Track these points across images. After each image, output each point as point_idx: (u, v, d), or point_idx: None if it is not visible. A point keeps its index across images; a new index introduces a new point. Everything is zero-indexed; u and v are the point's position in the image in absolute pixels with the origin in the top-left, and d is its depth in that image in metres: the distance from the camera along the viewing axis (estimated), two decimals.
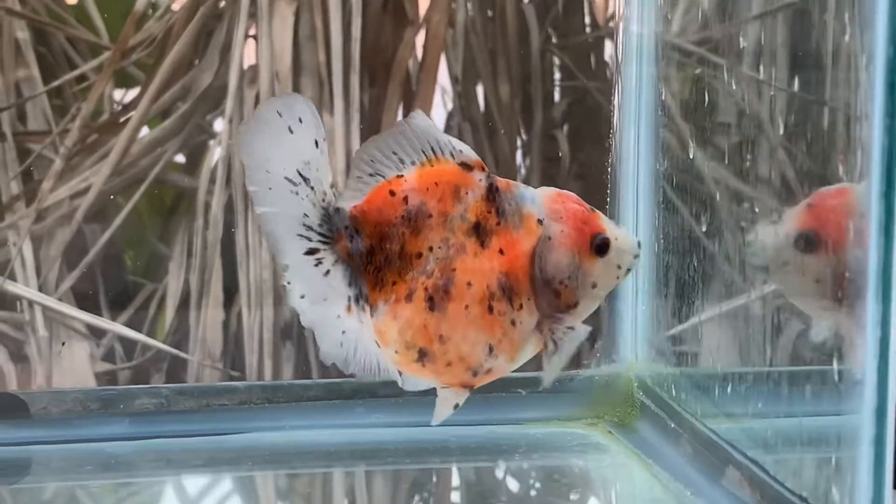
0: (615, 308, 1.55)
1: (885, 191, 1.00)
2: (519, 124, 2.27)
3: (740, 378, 1.29)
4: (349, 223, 1.07)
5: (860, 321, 1.02)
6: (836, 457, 1.10)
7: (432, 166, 1.07)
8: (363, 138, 2.05)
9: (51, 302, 2.02)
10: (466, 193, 1.07)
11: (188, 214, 2.16)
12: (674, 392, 1.41)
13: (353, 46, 2.02)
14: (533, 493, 1.39)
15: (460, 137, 2.22)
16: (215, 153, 2.15)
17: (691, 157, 1.46)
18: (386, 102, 2.10)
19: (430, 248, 1.07)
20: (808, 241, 1.19)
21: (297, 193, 1.04)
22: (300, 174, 1.04)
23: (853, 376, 1.03)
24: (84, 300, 2.08)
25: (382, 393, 1.48)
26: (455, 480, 1.44)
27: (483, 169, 1.09)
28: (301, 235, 1.06)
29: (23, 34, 2.09)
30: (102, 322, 2.06)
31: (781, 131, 1.29)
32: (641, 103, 1.55)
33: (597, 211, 1.14)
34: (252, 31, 2.07)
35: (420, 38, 2.14)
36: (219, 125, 2.14)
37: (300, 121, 1.04)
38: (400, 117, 2.13)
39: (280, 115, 1.03)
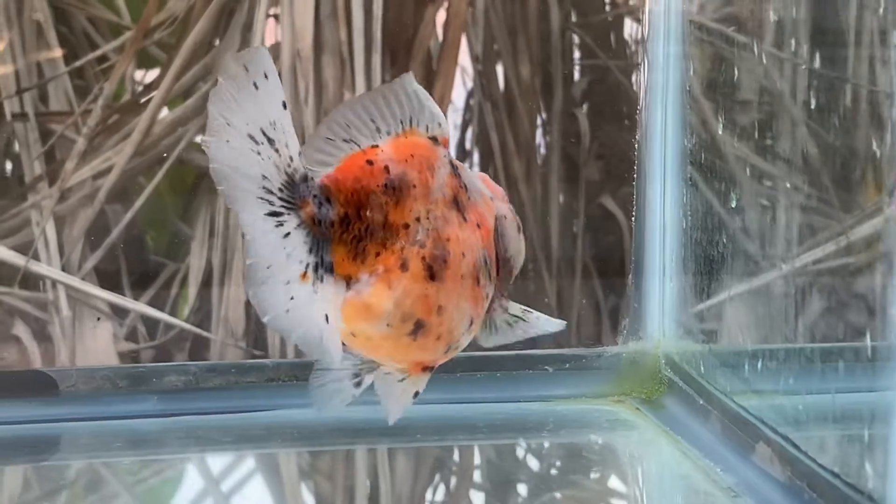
0: (642, 285, 1.54)
1: None
2: (539, 103, 2.26)
3: (771, 354, 1.29)
4: (318, 192, 1.01)
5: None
6: (869, 433, 1.10)
7: (406, 138, 1.04)
8: None
9: (74, 281, 2.02)
10: (438, 166, 1.06)
11: (210, 194, 2.16)
12: (702, 369, 1.41)
13: (374, 25, 2.02)
14: (561, 469, 1.39)
15: (480, 116, 2.23)
16: None
17: (719, 133, 1.46)
18: None
19: (418, 219, 1.04)
20: None
21: (258, 153, 0.97)
22: (264, 133, 0.97)
23: (887, 352, 1.03)
24: (107, 280, 2.09)
25: None
26: (482, 458, 1.44)
27: (446, 146, 1.08)
28: (262, 199, 0.99)
29: (44, 14, 2.09)
30: (125, 301, 2.07)
31: (813, 108, 1.29)
32: (669, 81, 1.54)
33: None
34: (273, 10, 2.06)
35: (441, 17, 2.13)
36: None
37: (266, 77, 0.97)
38: None
39: (246, 69, 0.97)
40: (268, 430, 1.44)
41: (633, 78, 2.41)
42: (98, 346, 2.07)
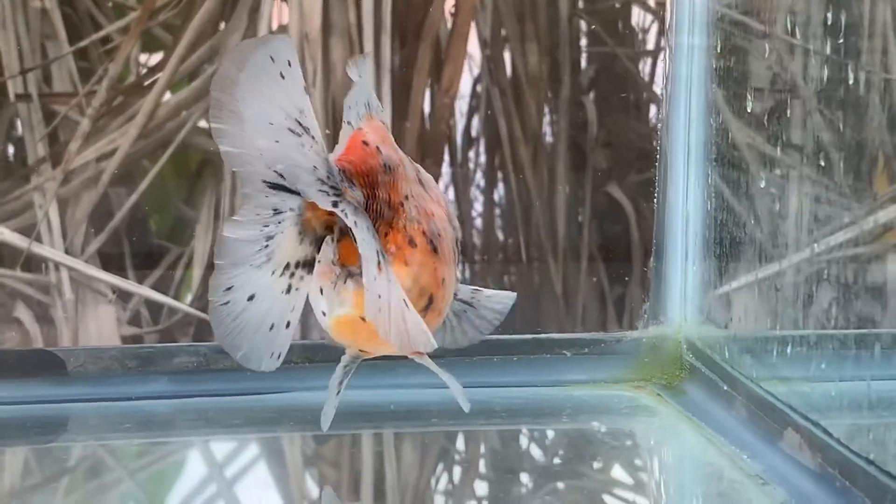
0: (662, 269, 1.52)
1: None
2: (546, 90, 2.24)
3: (801, 339, 1.27)
4: (342, 175, 1.00)
5: None
6: None
7: (372, 120, 1.03)
8: (394, 101, 2.03)
9: (77, 264, 2.00)
10: (398, 148, 1.05)
11: (214, 178, 2.14)
12: (726, 354, 1.39)
13: (384, 6, 1.99)
14: (581, 456, 1.37)
15: (488, 102, 2.21)
16: None
17: (746, 116, 1.44)
18: (417, 65, 2.07)
19: (407, 197, 1.03)
20: None
21: (302, 145, 0.96)
22: (300, 124, 0.96)
23: None
24: (110, 263, 2.06)
25: (426, 353, 1.45)
26: (500, 442, 1.41)
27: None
28: (321, 191, 0.97)
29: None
30: (129, 285, 2.05)
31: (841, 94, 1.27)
32: (693, 69, 1.52)
33: None
34: None
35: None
36: None
37: (289, 64, 0.95)
38: (429, 80, 2.11)
39: (273, 60, 0.94)
40: (279, 413, 1.42)
41: (648, 63, 2.40)
42: (101, 329, 2.05)
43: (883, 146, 1.22)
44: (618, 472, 1.32)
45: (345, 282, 1.01)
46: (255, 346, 1.04)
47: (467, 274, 2.27)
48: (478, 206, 2.30)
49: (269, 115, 0.95)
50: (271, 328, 1.03)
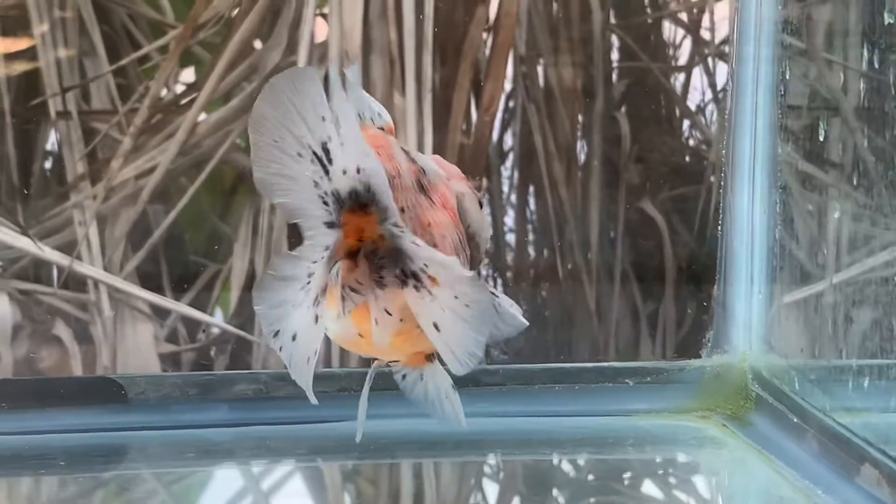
0: (727, 295, 1.52)
1: None
2: (580, 105, 2.24)
3: (880, 371, 1.26)
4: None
5: None
6: None
7: (366, 133, 0.98)
8: (434, 119, 2.03)
9: (116, 282, 2.00)
10: (395, 156, 1.01)
11: (251, 194, 2.14)
12: (796, 385, 1.38)
13: (425, 24, 1.99)
14: (649, 487, 1.37)
15: (523, 117, 2.21)
16: None
17: (820, 139, 1.43)
18: (457, 82, 2.07)
19: (402, 209, 1.00)
20: None
21: (327, 172, 0.93)
22: (320, 151, 0.93)
23: None
24: (148, 281, 2.06)
25: (486, 381, 1.45)
26: (564, 472, 1.41)
27: (393, 133, 1.05)
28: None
29: (87, 12, 2.06)
30: (168, 302, 2.05)
31: None
32: (759, 84, 1.51)
33: None
34: (321, 9, 2.04)
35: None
36: None
37: (313, 92, 0.91)
38: (471, 99, 2.11)
39: (297, 90, 0.91)
40: (340, 442, 1.41)
41: (681, 78, 2.40)
42: (139, 347, 2.05)
43: None
44: None
45: (343, 300, 0.99)
46: (305, 382, 1.00)
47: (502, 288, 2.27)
48: (508, 221, 2.30)
49: (294, 146, 0.93)
50: (308, 361, 1.00)
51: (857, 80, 1.39)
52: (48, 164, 2.13)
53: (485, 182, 2.08)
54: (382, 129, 1.03)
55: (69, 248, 2.00)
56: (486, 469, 1.40)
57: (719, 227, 1.51)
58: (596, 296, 2.24)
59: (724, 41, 2.31)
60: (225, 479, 1.41)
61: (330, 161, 0.94)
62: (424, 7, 1.99)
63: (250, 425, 1.45)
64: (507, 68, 2.09)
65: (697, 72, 2.21)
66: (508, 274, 2.30)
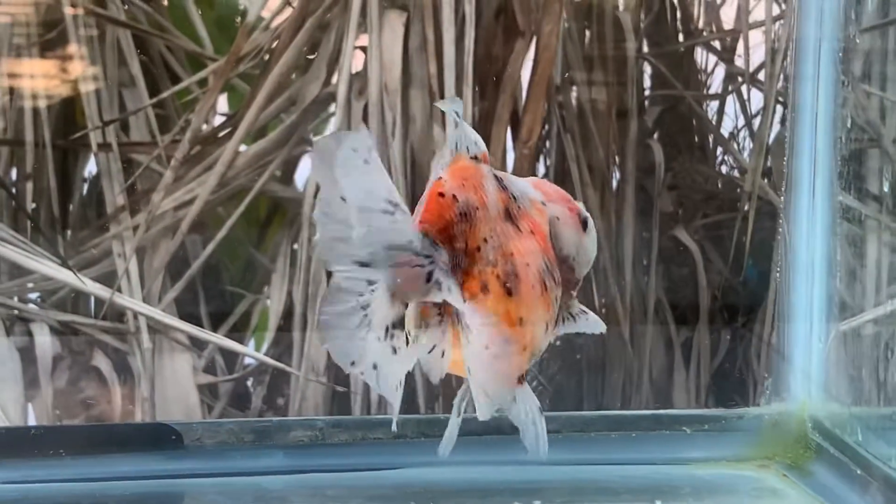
0: (785, 340, 1.51)
1: None
2: (614, 133, 2.25)
3: None
4: (426, 238, 1.04)
5: None
6: None
7: (456, 164, 1.06)
8: None
9: (156, 313, 2.00)
10: (486, 184, 1.07)
11: (288, 227, 2.15)
12: (859, 435, 1.37)
13: (465, 58, 1.99)
14: None
15: (559, 146, 2.21)
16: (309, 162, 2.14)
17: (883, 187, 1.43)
18: (496, 115, 2.07)
19: (485, 239, 1.06)
20: None
21: (395, 223, 1.01)
22: (390, 202, 1.00)
23: None
24: (186, 312, 2.07)
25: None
26: None
27: (487, 162, 1.10)
28: (418, 265, 1.03)
29: (126, 44, 2.06)
30: (207, 334, 2.05)
31: None
32: (819, 108, 1.49)
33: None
34: (361, 42, 2.04)
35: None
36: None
37: (369, 151, 1.00)
38: (509, 132, 2.11)
39: (355, 150, 0.99)
40: (396, 489, 1.41)
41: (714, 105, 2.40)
42: (177, 378, 2.06)
43: None
44: None
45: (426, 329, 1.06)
46: (394, 409, 1.07)
47: None
48: None
49: (361, 201, 1.00)
50: (395, 389, 1.07)
51: None
52: (87, 196, 2.14)
53: None
54: (476, 157, 1.08)
55: (107, 279, 2.01)
56: None
57: (778, 272, 1.51)
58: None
59: (759, 68, 2.31)
60: None
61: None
62: (465, 40, 2.00)
63: (306, 472, 1.44)
64: (544, 101, 2.09)
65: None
66: None
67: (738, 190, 2.29)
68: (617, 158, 2.27)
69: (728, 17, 2.38)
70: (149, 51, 2.14)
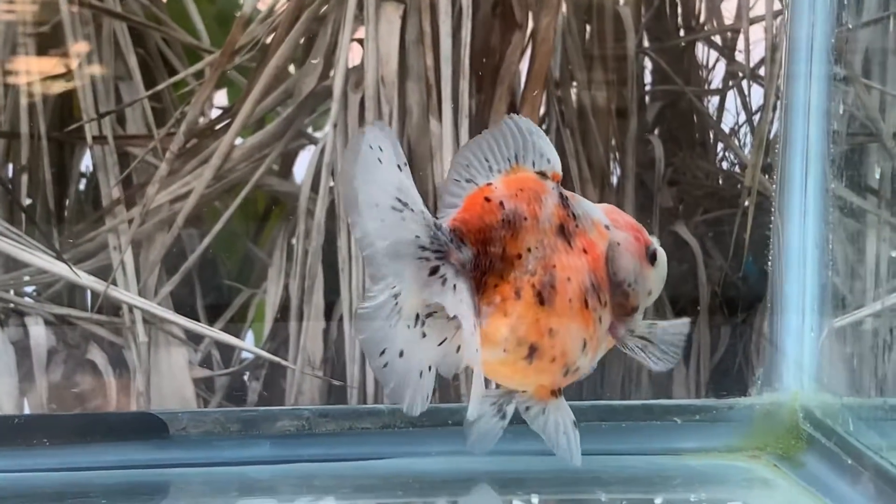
0: (776, 331, 1.50)
1: None
2: (613, 128, 2.23)
3: None
4: (452, 235, 1.09)
5: None
6: None
7: (514, 174, 1.12)
8: None
9: (151, 307, 1.99)
10: (545, 199, 1.13)
11: (282, 220, 2.13)
12: (850, 425, 1.35)
13: (462, 51, 1.98)
14: None
15: (558, 141, 2.20)
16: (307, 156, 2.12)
17: (876, 176, 1.41)
18: (493, 108, 2.06)
19: (529, 249, 1.12)
20: None
21: (404, 219, 1.05)
22: (399, 200, 1.05)
23: None
24: (181, 305, 2.06)
25: None
26: None
27: (555, 179, 1.15)
28: (421, 258, 1.07)
29: (123, 36, 2.06)
30: (202, 328, 2.04)
31: None
32: (811, 102, 1.48)
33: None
34: (357, 35, 2.03)
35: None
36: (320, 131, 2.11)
37: (381, 149, 1.05)
38: None
39: (371, 147, 1.05)
40: (384, 480, 1.40)
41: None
42: (173, 372, 2.05)
43: None
44: None
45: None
46: (414, 396, 1.12)
47: None
48: None
49: (374, 198, 1.05)
50: (421, 375, 1.11)
51: None
52: (83, 189, 2.13)
53: None
54: (544, 173, 1.14)
55: (103, 272, 2.00)
56: None
57: (769, 263, 1.50)
58: None
59: (759, 64, 2.30)
60: None
61: None
62: (461, 33, 1.98)
63: (292, 462, 1.43)
64: (542, 94, 2.08)
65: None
66: None
67: (739, 186, 2.28)
68: (617, 154, 2.25)
69: (729, 12, 2.37)
70: (146, 44, 2.13)
